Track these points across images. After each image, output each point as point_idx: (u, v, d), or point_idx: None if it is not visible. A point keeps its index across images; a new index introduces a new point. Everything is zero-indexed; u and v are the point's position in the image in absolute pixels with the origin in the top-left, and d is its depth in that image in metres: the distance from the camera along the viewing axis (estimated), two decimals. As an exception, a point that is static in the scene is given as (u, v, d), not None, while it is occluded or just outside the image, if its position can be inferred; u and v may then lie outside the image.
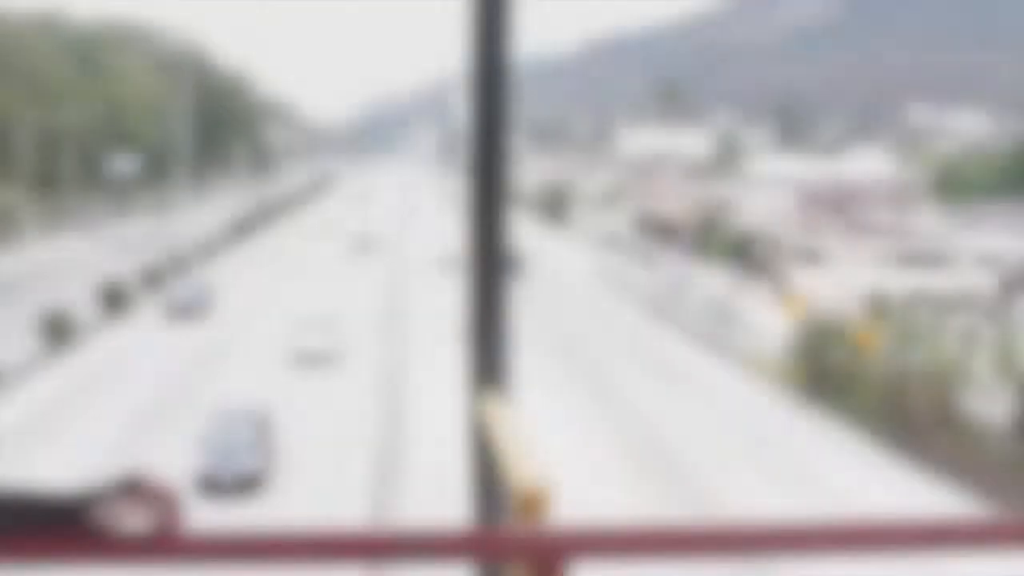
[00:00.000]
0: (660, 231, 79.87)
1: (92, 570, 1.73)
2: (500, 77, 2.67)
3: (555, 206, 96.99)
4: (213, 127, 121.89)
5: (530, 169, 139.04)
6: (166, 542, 1.66)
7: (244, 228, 78.39)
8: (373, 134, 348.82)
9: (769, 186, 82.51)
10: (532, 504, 1.93)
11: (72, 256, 62.51)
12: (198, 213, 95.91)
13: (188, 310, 45.15)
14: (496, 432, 2.36)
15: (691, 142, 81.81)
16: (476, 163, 2.71)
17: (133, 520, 1.64)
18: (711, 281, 59.07)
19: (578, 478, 22.05)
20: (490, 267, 2.72)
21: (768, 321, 43.31)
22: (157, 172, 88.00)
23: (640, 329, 44.45)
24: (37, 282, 51.00)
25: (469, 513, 2.65)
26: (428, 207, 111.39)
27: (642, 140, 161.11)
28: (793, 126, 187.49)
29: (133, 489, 1.65)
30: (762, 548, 1.79)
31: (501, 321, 2.71)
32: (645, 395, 32.66)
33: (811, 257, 55.04)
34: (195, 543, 1.67)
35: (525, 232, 61.96)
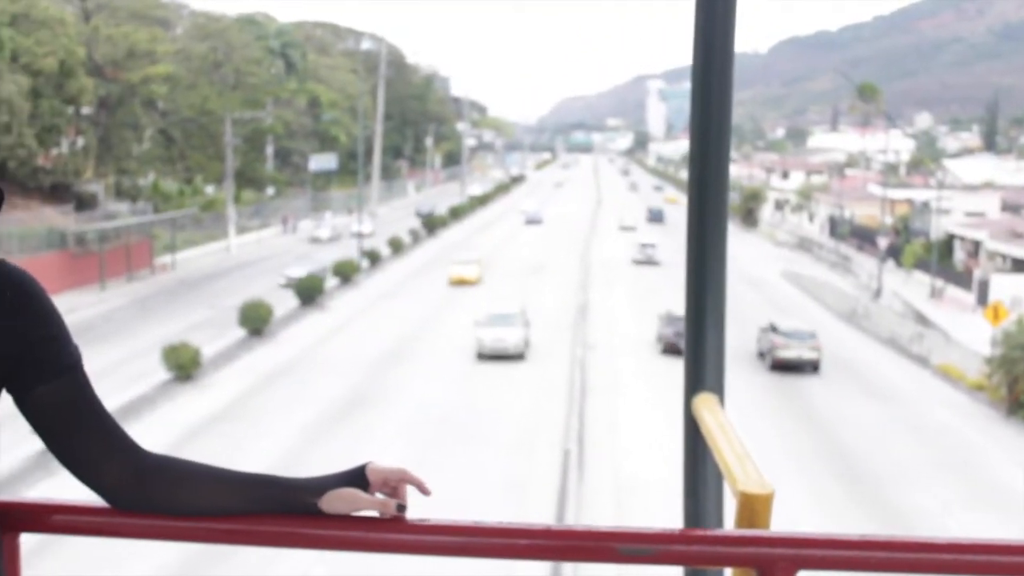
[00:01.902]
0: (854, 235, 77.92)
1: (325, 553, 1.81)
2: (724, 81, 2.65)
3: (746, 208, 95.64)
4: (408, 125, 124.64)
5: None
6: (394, 528, 1.72)
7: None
8: (564, 134, 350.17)
9: (971, 190, 79.58)
10: (755, 509, 1.92)
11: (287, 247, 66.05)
12: (392, 209, 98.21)
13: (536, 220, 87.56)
14: (711, 438, 2.36)
15: (889, 143, 79.43)
16: (695, 170, 2.70)
17: (362, 507, 1.72)
18: (907, 286, 57.33)
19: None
20: (706, 272, 2.71)
21: (968, 329, 41.75)
22: (353, 169, 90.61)
23: (830, 334, 43.44)
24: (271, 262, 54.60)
25: (683, 517, 2.66)
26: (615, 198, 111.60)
27: (836, 141, 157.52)
28: (1000, 127, 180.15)
29: (363, 478, 1.72)
30: (988, 567, 1.75)
31: (716, 326, 2.71)
32: (832, 402, 31.89)
33: (1016, 263, 52.82)
34: (422, 529, 1.73)
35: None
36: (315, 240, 71.01)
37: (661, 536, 1.73)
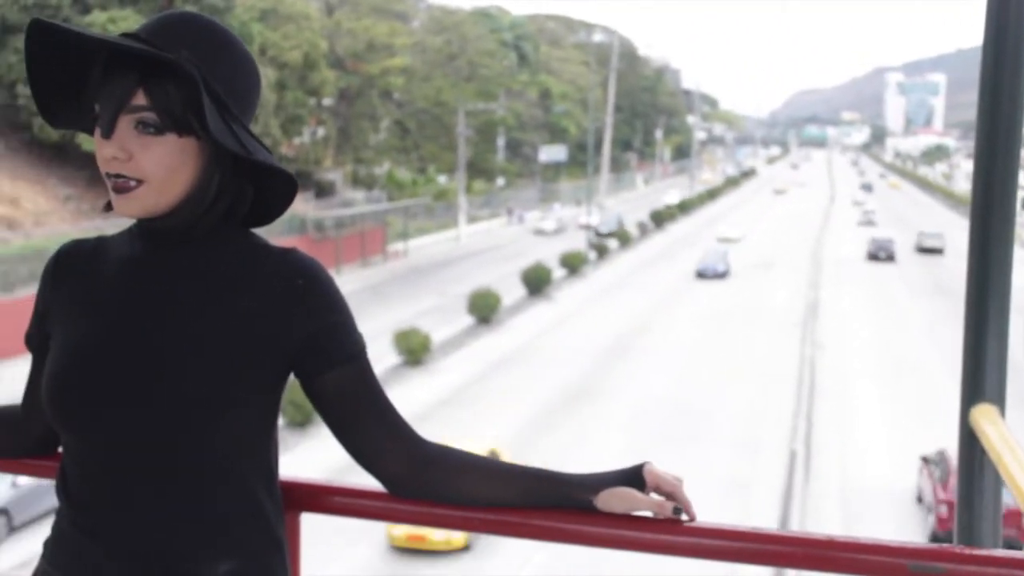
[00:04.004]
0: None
1: (596, 551, 1.79)
2: (1017, 69, 2.49)
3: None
4: (638, 118, 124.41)
5: (968, 169, 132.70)
6: (670, 530, 1.68)
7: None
8: (797, 128, 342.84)
9: None
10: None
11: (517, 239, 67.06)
12: (620, 201, 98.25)
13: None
14: (993, 451, 2.23)
15: None
16: (981, 169, 2.55)
17: (639, 507, 1.69)
18: None
19: None
20: (989, 277, 2.56)
21: None
22: (582, 161, 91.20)
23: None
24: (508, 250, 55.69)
25: (956, 533, 2.52)
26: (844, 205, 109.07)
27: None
28: None
29: (639, 478, 1.69)
30: None
31: (999, 333, 2.54)
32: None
33: None
34: (698, 532, 1.68)
35: (960, 237, 73.00)
36: (539, 232, 71.58)
37: (955, 555, 1.62)
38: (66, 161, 41.80)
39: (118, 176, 1.63)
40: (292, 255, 1.72)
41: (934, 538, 20.67)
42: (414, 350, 31.77)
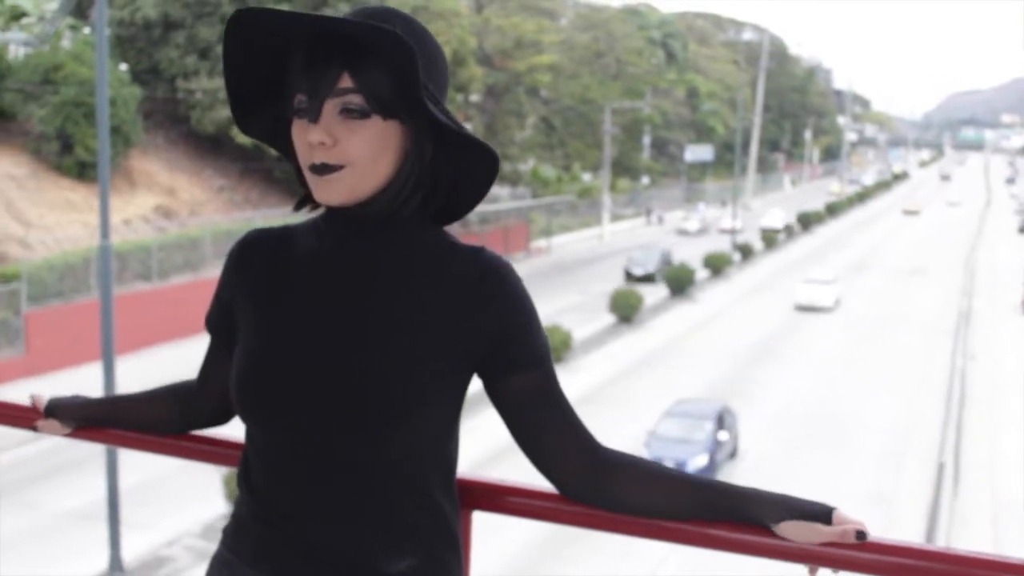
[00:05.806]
0: None
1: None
2: None
3: None
4: (786, 118, 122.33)
5: None
6: (855, 547, 1.62)
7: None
8: (952, 130, 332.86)
9: None
10: None
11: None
12: (767, 203, 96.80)
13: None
14: None
15: None
16: None
17: (820, 540, 1.61)
18: None
19: None
20: None
21: None
22: (729, 161, 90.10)
23: None
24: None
25: None
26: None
27: None
28: None
29: (828, 518, 1.61)
30: None
31: None
32: None
33: None
34: (881, 549, 1.61)
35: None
36: (682, 232, 70.78)
37: None
38: (221, 153, 42.91)
39: (322, 166, 1.61)
40: (482, 254, 1.70)
41: None
42: (555, 347, 31.77)
